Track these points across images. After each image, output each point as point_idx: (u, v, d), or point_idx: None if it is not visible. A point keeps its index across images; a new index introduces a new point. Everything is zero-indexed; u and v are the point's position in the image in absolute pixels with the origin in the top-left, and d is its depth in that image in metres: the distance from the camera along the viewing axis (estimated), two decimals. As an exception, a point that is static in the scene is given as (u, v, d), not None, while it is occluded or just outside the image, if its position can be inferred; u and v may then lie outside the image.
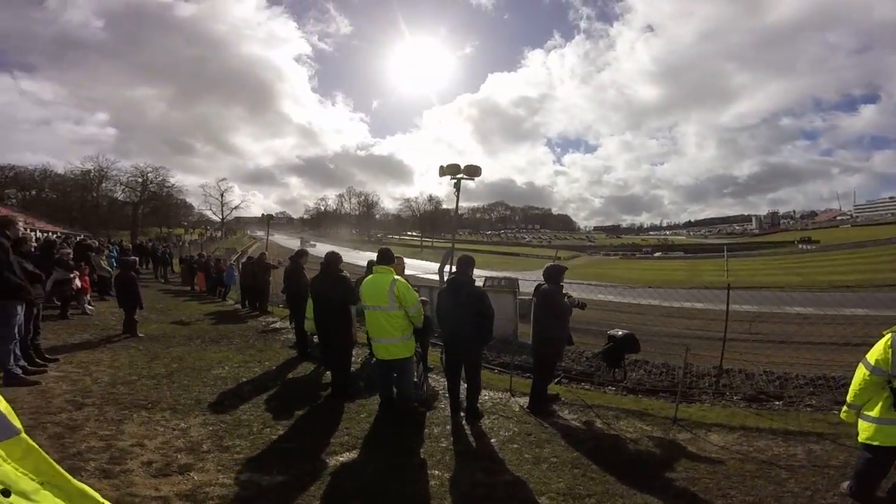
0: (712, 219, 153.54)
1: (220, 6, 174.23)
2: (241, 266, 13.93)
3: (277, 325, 9.56)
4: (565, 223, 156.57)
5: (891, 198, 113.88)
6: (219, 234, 71.99)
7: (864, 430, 2.97)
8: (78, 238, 23.57)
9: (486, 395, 5.18)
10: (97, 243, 16.41)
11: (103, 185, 63.86)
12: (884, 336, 2.96)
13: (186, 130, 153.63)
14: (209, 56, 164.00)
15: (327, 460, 3.55)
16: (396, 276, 4.43)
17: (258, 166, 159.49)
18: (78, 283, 8.75)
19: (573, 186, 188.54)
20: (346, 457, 3.64)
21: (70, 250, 9.73)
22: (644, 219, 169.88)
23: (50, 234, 31.07)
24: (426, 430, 4.24)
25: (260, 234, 67.23)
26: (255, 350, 7.14)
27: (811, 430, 4.24)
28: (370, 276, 4.56)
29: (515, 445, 3.98)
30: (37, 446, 0.51)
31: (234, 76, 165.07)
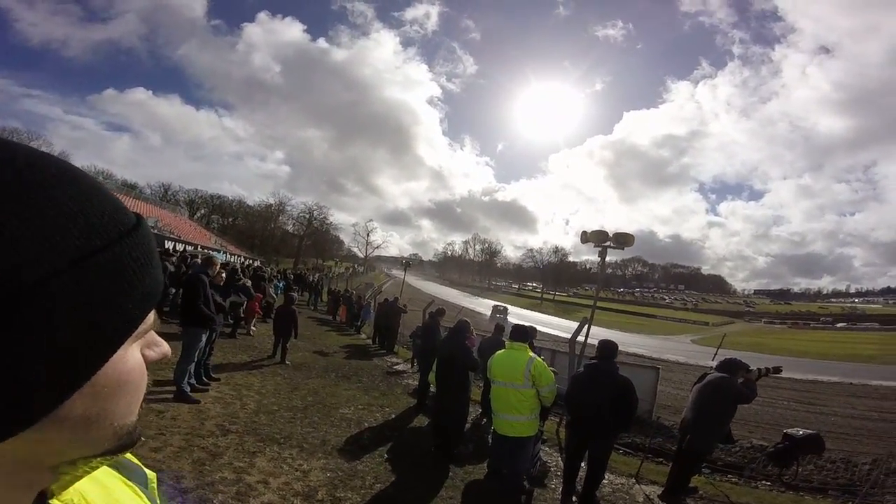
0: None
1: (364, 51, 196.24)
2: (377, 305, 15.24)
3: (400, 367, 10.07)
4: (717, 284, 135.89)
5: None
6: (361, 269, 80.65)
7: None
8: (255, 264, 28.70)
9: (605, 479, 4.56)
10: (269, 272, 19.70)
11: (280, 217, 77.49)
12: None
13: (342, 171, 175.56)
14: (359, 100, 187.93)
15: None
16: (533, 355, 4.27)
17: (396, 208, 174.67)
18: (246, 306, 10.39)
19: (730, 241, 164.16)
20: None
21: (249, 280, 11.71)
22: (825, 283, 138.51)
23: (236, 256, 38.47)
24: (532, 513, 3.84)
25: (396, 273, 72.99)
26: (379, 392, 7.53)
27: None
28: (504, 352, 4.44)
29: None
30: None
31: (378, 119, 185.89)
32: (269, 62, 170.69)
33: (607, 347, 4.29)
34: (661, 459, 5.40)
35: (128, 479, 0.50)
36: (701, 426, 4.20)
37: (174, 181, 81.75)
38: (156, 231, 29.33)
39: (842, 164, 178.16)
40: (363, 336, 15.14)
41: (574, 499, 4.12)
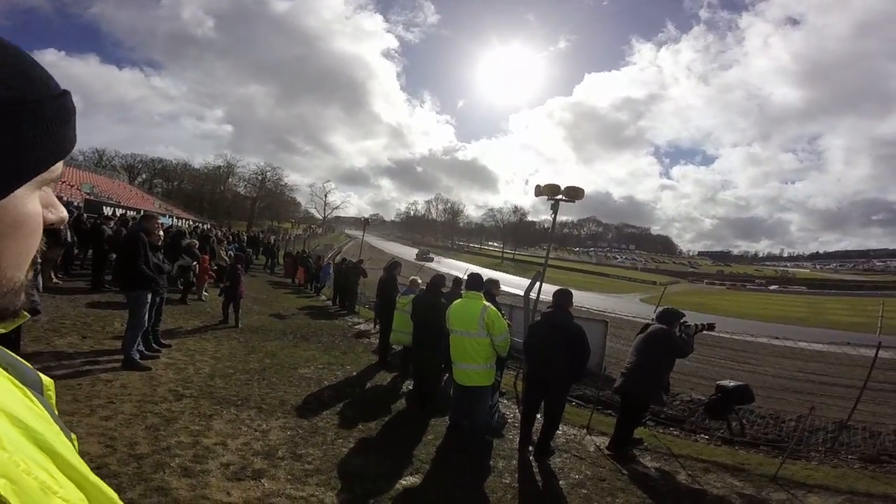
0: (849, 251, 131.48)
1: (308, 0, 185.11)
2: (335, 266, 15.00)
3: (362, 326, 10.08)
4: (665, 245, 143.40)
5: None
6: (320, 230, 78.64)
7: None
8: (204, 227, 27.28)
9: (559, 430, 4.89)
10: (220, 234, 18.79)
11: (230, 179, 73.15)
12: None
13: (290, 129, 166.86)
14: (305, 54, 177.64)
15: (390, 483, 3.55)
16: (487, 304, 4.36)
17: (353, 167, 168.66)
18: (197, 269, 9.97)
19: (680, 203, 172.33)
20: (408, 481, 3.63)
21: (196, 241, 11.15)
22: (762, 246, 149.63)
23: (184, 220, 36.45)
24: (491, 462, 4.10)
25: (356, 233, 72.08)
26: (340, 352, 7.52)
27: None
28: (460, 301, 4.53)
29: (585, 491, 3.72)
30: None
31: (328, 74, 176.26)
32: (201, 16, 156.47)
33: (562, 296, 4.46)
34: (609, 411, 5.69)
35: (20, 381, 0.44)
36: (640, 373, 4.46)
37: (108, 146, 74.36)
38: (92, 197, 26.88)
39: (790, 134, 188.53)
40: (323, 298, 14.98)
41: (530, 448, 4.36)
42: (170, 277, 7.07)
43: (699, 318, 10.14)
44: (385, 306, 7.30)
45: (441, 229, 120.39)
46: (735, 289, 70.48)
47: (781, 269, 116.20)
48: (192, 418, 4.07)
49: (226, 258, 13.81)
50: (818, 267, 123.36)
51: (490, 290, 5.35)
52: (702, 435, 5.47)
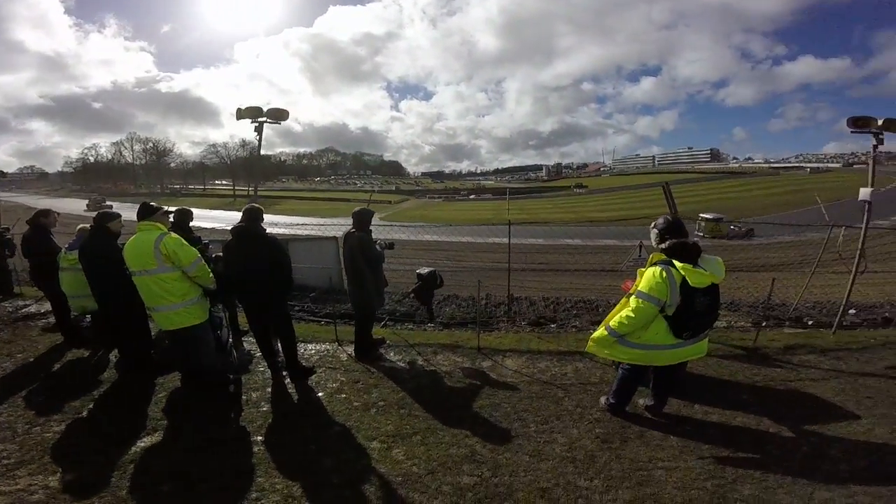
0: (516, 167, 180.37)
1: None
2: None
3: (32, 308, 7.37)
4: (396, 169, 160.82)
5: (637, 155, 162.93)
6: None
7: (631, 354, 3.26)
8: None
9: (312, 349, 5.09)
10: None
11: None
12: (652, 269, 3.13)
13: None
14: None
15: (125, 449, 3.10)
16: (165, 232, 3.74)
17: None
18: None
19: (407, 133, 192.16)
20: (147, 441, 3.23)
21: None
22: (464, 166, 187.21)
23: None
24: (244, 398, 3.97)
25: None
26: (1, 342, 5.46)
27: (576, 350, 4.86)
28: (132, 237, 3.74)
29: (344, 395, 4.03)
30: None
31: None
32: None
33: (251, 210, 4.20)
34: (353, 322, 5.97)
35: None
36: (351, 284, 4.82)
37: None
38: None
39: (486, 76, 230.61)
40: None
41: (284, 373, 4.31)
42: None
43: (425, 228, 11.93)
44: (41, 269, 5.48)
45: (143, 174, 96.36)
46: (448, 201, 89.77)
47: (477, 182, 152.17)
48: None
49: None
50: (499, 179, 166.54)
51: (178, 220, 4.76)
52: (429, 324, 6.57)
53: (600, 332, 3.39)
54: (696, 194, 58.94)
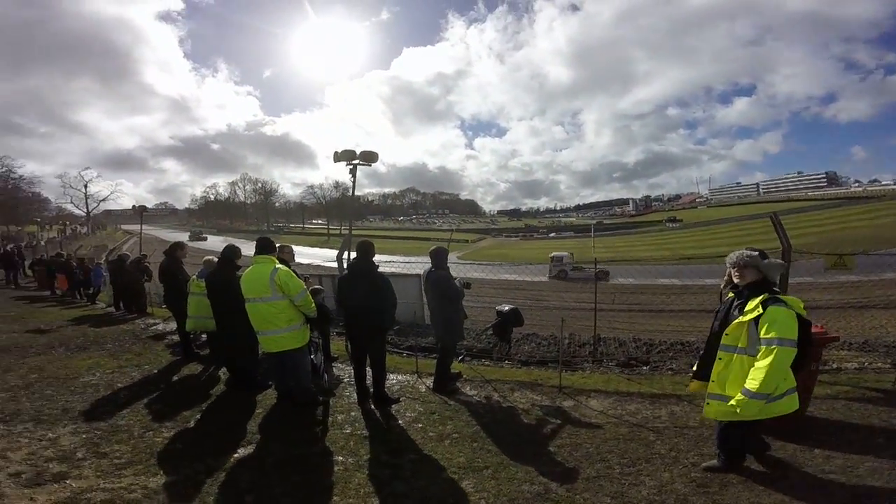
0: (599, 202, 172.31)
1: None
2: (110, 266, 12.22)
3: (160, 327, 8.58)
4: (471, 207, 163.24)
5: (737, 183, 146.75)
6: (84, 229, 61.84)
7: (781, 406, 2.80)
8: None
9: (393, 379, 5.21)
10: None
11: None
12: (776, 309, 2.76)
13: (14, 107, 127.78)
14: (38, 17, 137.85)
15: (221, 458, 3.35)
16: (278, 265, 4.22)
17: (119, 148, 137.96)
18: None
19: (482, 171, 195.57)
20: (241, 453, 3.48)
21: None
22: (542, 202, 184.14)
23: None
24: (329, 419, 4.16)
25: (136, 227, 59.59)
26: (133, 354, 6.39)
27: (672, 393, 4.64)
28: (250, 268, 4.29)
29: (420, 425, 4.07)
30: None
31: (72, 40, 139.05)
32: None
33: (363, 247, 4.57)
34: (434, 356, 6.06)
35: None
36: (435, 318, 4.96)
37: None
38: None
39: (561, 109, 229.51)
40: (102, 305, 12.12)
41: (370, 400, 4.53)
42: None
43: (502, 267, 11.89)
44: (173, 293, 6.41)
45: (253, 212, 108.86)
46: (526, 239, 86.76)
47: (556, 219, 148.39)
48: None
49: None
50: (580, 216, 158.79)
51: (282, 256, 5.19)
52: (506, 361, 6.50)
53: (738, 399, 2.77)
54: (813, 224, 51.44)
